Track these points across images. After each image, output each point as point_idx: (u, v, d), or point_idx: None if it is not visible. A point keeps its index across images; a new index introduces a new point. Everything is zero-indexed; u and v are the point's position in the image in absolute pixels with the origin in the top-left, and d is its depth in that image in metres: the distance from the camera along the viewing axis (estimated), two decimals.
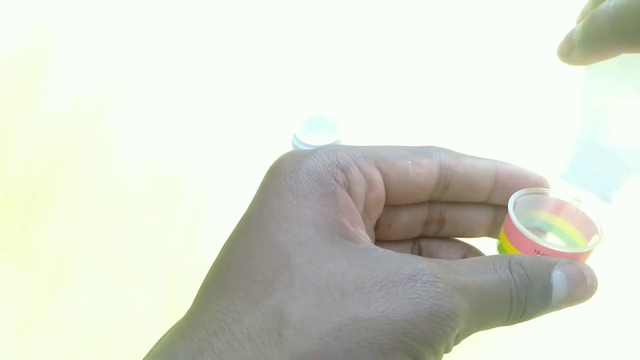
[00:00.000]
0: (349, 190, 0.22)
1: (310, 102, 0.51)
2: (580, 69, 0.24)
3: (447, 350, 0.19)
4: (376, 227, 0.26)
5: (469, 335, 0.20)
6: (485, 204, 0.27)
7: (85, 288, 0.40)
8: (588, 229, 0.25)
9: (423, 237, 0.28)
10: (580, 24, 0.21)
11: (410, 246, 0.28)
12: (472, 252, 0.28)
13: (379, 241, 0.27)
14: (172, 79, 0.48)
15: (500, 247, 0.26)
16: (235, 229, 0.21)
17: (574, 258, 0.23)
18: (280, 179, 0.21)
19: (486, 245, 0.28)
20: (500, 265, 0.21)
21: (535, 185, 0.26)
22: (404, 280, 0.18)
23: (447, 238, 0.28)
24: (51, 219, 0.40)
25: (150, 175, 0.44)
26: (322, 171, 0.22)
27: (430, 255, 0.27)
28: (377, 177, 0.23)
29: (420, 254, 0.28)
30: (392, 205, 0.25)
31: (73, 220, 0.40)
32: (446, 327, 0.18)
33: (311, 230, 0.20)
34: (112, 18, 0.51)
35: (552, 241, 0.27)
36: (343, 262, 0.19)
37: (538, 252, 0.24)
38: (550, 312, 0.22)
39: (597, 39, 0.20)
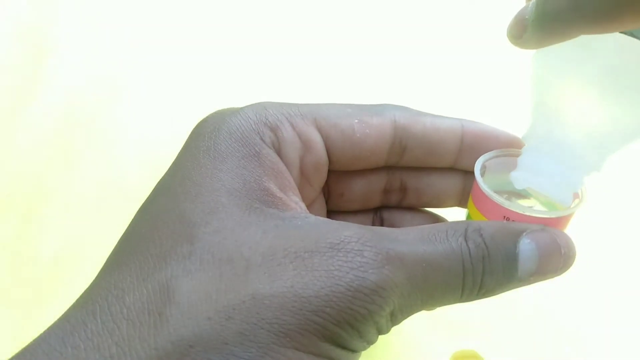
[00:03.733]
0: (279, 151, 0.19)
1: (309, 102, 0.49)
2: (531, 54, 0.20)
3: (381, 331, 0.16)
4: (328, 196, 0.23)
5: (413, 313, 0.17)
6: (452, 169, 0.23)
7: (85, 287, 0.39)
8: None
9: (385, 207, 0.25)
10: (534, 0, 0.17)
11: (371, 218, 0.25)
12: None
13: (333, 212, 0.24)
14: (171, 79, 0.47)
15: (468, 218, 0.23)
16: (146, 198, 0.19)
17: (549, 224, 0.20)
18: (199, 141, 0.19)
19: (459, 217, 0.25)
20: (454, 233, 0.18)
21: (507, 146, 0.23)
22: (324, 250, 0.16)
23: (412, 208, 0.25)
24: (50, 219, 0.39)
25: (150, 174, 0.43)
26: (246, 130, 0.19)
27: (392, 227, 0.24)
28: (316, 138, 0.20)
29: (382, 226, 0.25)
30: (342, 171, 0.22)
31: (73, 220, 0.39)
32: (370, 304, 0.15)
33: (224, 196, 0.17)
34: (110, 17, 0.50)
35: (532, 206, 0.23)
36: (257, 232, 0.16)
37: (507, 219, 0.20)
38: (518, 286, 0.19)
39: (554, 18, 0.16)
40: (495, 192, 0.23)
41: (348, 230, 0.16)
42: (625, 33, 0.18)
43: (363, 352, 0.17)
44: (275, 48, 0.48)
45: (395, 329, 0.17)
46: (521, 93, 0.22)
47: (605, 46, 0.18)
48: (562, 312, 0.32)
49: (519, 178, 0.21)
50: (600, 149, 0.20)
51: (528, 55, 0.20)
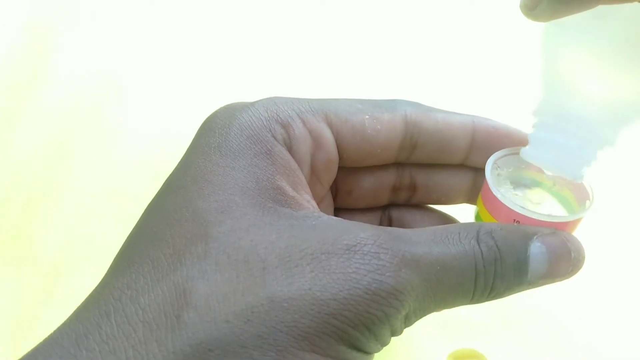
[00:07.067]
0: (290, 148, 0.19)
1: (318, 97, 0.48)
2: (541, 26, 0.19)
3: (395, 333, 0.16)
4: (336, 193, 0.23)
5: (425, 315, 0.17)
6: (462, 166, 0.23)
7: (85, 287, 0.39)
8: (580, 192, 0.22)
9: (393, 205, 0.24)
10: None
11: (379, 216, 0.24)
12: (450, 222, 0.24)
13: (340, 210, 0.24)
14: (172, 78, 0.46)
15: (477, 216, 0.23)
16: (155, 195, 0.18)
17: (560, 228, 0.20)
18: (209, 137, 0.18)
19: (467, 215, 0.25)
20: (467, 235, 0.18)
21: (519, 143, 0.22)
22: (341, 252, 0.15)
23: (421, 206, 0.25)
24: (50, 218, 0.38)
25: (150, 174, 0.42)
26: (257, 127, 0.18)
27: (401, 226, 0.24)
28: (327, 135, 0.20)
29: (390, 224, 0.24)
30: (350, 167, 0.22)
31: (73, 219, 0.38)
32: (387, 307, 0.15)
33: (238, 195, 0.17)
34: (111, 16, 0.49)
35: (548, 204, 0.23)
36: (271, 232, 0.16)
37: (517, 222, 0.20)
38: (527, 289, 0.19)
39: None
40: (507, 187, 0.23)
41: (364, 232, 0.16)
42: None
43: None
44: (276, 51, 0.47)
45: None
46: (525, 79, 0.22)
47: (623, 16, 0.18)
48: (562, 311, 0.32)
49: (530, 154, 0.21)
50: (615, 122, 0.20)
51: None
